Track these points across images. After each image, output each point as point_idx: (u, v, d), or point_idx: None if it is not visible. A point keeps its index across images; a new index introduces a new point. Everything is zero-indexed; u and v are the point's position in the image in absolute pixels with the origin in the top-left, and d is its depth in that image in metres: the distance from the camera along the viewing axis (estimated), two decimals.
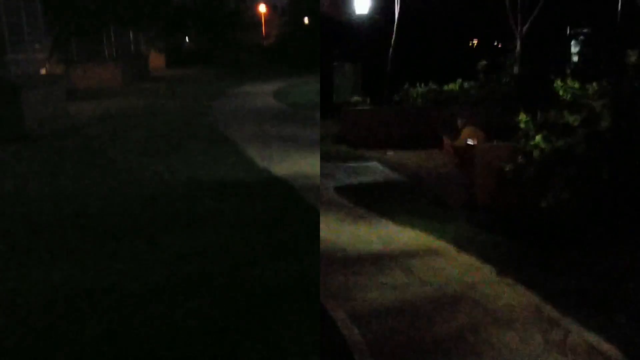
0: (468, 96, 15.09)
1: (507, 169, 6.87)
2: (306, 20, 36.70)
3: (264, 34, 50.49)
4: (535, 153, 6.48)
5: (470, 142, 9.84)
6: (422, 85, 15.47)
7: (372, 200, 8.62)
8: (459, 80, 15.43)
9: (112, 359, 4.03)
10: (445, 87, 15.39)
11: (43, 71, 21.07)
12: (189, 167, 9.49)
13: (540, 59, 16.49)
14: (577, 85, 6.74)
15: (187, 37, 44.54)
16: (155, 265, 5.53)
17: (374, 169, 11.65)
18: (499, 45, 19.84)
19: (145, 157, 10.32)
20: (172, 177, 8.87)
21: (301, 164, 9.57)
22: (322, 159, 11.03)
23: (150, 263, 5.59)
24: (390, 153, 13.45)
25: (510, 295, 5.09)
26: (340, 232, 6.94)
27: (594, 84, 6.72)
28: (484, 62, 15.49)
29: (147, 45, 36.13)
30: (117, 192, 8.19)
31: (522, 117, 6.92)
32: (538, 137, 6.55)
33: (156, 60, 37.08)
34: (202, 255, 5.76)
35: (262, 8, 51.84)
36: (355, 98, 15.74)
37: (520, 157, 6.74)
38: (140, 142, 11.88)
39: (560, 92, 6.77)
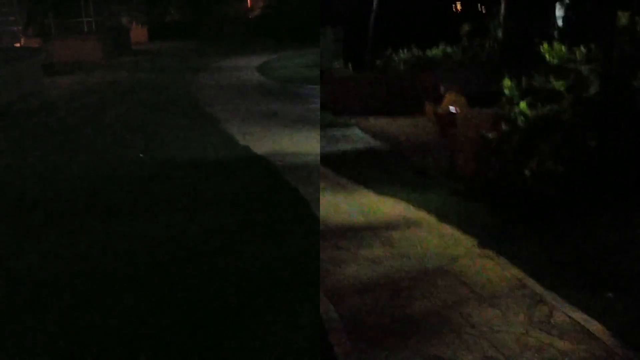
0: (451, 62, 14.80)
1: (490, 136, 6.62)
2: None
3: (249, 6, 49.28)
4: (520, 120, 6.23)
5: (452, 109, 9.58)
6: (405, 50, 15.14)
7: (353, 169, 8.38)
8: (442, 46, 15.11)
9: (80, 351, 3.78)
10: (428, 53, 15.07)
11: (19, 44, 20.37)
12: (167, 145, 9.02)
13: (525, 23, 16.14)
14: (563, 49, 6.47)
15: (170, 10, 43.58)
16: (125, 251, 5.17)
17: (355, 136, 11.40)
18: (483, 9, 19.46)
19: (122, 135, 9.84)
20: (149, 156, 8.43)
21: (283, 140, 9.13)
22: (303, 125, 10.71)
23: (119, 249, 5.22)
24: (372, 119, 13.19)
25: (492, 269, 4.90)
26: (321, 203, 6.67)
27: (582, 47, 6.46)
28: (467, 27, 15.17)
29: (129, 17, 35.15)
30: (89, 172, 7.75)
31: (506, 82, 6.65)
32: (523, 104, 6.29)
33: (138, 34, 36.06)
34: (176, 239, 5.39)
35: None
36: (338, 64, 15.39)
37: (503, 124, 6.49)
38: (117, 118, 11.36)
39: (547, 57, 6.49)
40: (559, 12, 20.15)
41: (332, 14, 18.39)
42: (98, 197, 6.71)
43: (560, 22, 19.79)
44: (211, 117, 11.11)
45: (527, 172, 5.96)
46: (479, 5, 20.09)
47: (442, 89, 12.29)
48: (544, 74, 6.48)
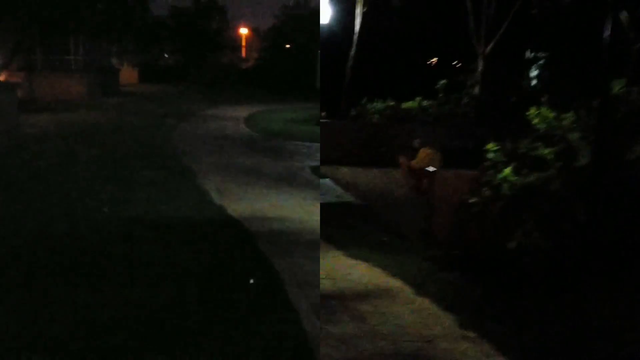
0: (426, 115, 14.63)
1: (472, 201, 6.21)
2: (287, 45, 35.64)
3: (243, 56, 49.57)
4: (505, 187, 5.84)
5: (430, 168, 9.21)
6: (380, 101, 14.91)
7: (323, 226, 7.87)
8: (418, 98, 14.94)
9: None
10: (404, 105, 14.88)
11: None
12: (136, 201, 8.23)
13: (502, 81, 16.11)
14: (551, 114, 6.15)
15: (164, 54, 43.53)
16: (60, 335, 4.34)
17: (327, 188, 10.95)
18: (460, 65, 19.49)
19: (89, 185, 9.04)
20: (114, 213, 7.62)
21: (262, 201, 8.49)
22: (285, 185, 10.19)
23: (54, 331, 4.40)
24: (344, 170, 12.81)
25: (474, 354, 4.40)
26: (287, 265, 6.11)
27: (570, 113, 6.14)
28: (444, 81, 15.04)
29: (120, 58, 34.76)
30: (44, 228, 6.91)
31: (491, 146, 6.28)
32: (507, 170, 5.92)
33: (128, 75, 35.82)
34: (126, 321, 4.58)
35: (243, 30, 50.91)
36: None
37: (486, 189, 6.09)
38: (89, 165, 10.58)
39: (535, 121, 6.16)
40: (533, 71, 20.35)
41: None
42: (45, 261, 5.87)
43: (534, 82, 19.96)
44: (188, 171, 10.40)
45: (511, 244, 5.53)
46: (456, 60, 20.14)
47: (416, 142, 11.97)
48: (530, 139, 6.13)
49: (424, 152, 10.96)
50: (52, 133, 14.37)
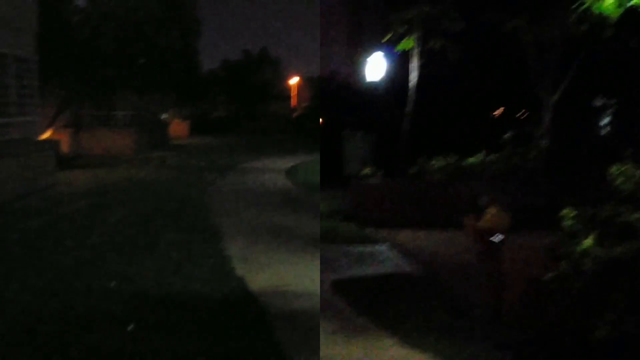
0: (492, 171, 13.66)
1: (547, 278, 5.28)
2: None
3: (294, 105, 50.37)
4: (586, 261, 4.89)
5: (495, 237, 8.26)
6: (441, 157, 14.08)
7: (376, 304, 7.01)
8: (482, 153, 14.02)
9: None
10: (467, 161, 13.97)
11: (45, 135, 20.04)
12: (149, 271, 7.51)
13: (571, 131, 15.06)
14: (638, 173, 5.22)
15: (215, 106, 44.67)
16: None
17: (383, 255, 10.09)
18: (525, 115, 18.51)
19: (103, 253, 8.44)
20: (124, 285, 6.89)
21: (289, 271, 7.63)
22: (324, 239, 9.46)
23: None
24: (403, 233, 11.94)
25: None
26: (330, 355, 5.28)
27: None
28: (509, 134, 14.12)
29: (170, 111, 35.65)
30: (40, 303, 6.25)
31: (567, 211, 5.37)
32: (589, 240, 4.98)
33: (179, 128, 36.59)
34: None
35: (293, 80, 51.88)
36: (367, 170, 14.32)
37: (564, 263, 5.16)
38: (111, 228, 10.11)
39: (618, 181, 5.25)
40: (604, 121, 19.13)
41: (362, 118, 17.73)
42: (30, 346, 5.20)
43: (605, 130, 18.73)
44: (215, 232, 9.73)
45: (599, 333, 4.56)
46: (520, 111, 19.19)
47: (483, 200, 11.00)
48: (613, 202, 5.20)
49: (490, 212, 10.04)
50: (87, 191, 14.18)
